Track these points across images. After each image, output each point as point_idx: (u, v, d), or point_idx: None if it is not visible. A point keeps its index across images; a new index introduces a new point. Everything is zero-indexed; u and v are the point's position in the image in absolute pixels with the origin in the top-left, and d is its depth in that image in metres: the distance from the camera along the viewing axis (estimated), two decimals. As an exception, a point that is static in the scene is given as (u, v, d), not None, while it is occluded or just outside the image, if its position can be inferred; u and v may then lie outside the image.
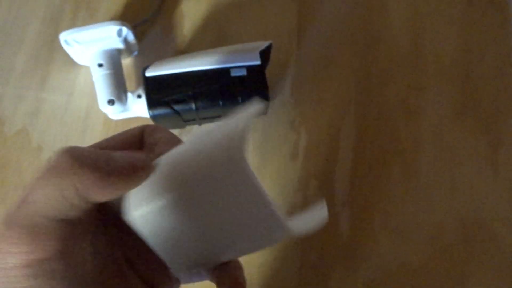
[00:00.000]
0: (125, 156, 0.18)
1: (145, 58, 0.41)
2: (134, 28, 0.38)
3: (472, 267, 0.36)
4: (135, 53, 0.41)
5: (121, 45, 0.37)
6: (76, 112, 0.39)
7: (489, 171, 0.38)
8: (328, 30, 0.42)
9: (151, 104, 0.34)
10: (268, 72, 0.37)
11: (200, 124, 0.38)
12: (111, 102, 0.35)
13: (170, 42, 0.42)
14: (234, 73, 0.34)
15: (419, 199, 0.38)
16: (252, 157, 0.39)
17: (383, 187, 0.38)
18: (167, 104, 0.33)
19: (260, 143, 0.39)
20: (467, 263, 0.36)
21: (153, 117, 0.34)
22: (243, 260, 0.22)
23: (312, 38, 0.42)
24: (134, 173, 0.18)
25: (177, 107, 0.34)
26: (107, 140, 0.21)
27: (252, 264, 0.36)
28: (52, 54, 0.41)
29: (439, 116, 0.40)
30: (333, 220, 0.37)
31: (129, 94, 0.36)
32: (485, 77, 0.41)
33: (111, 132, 0.39)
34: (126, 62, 0.41)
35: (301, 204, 0.38)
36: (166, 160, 0.19)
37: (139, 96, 0.35)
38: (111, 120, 0.38)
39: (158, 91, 0.34)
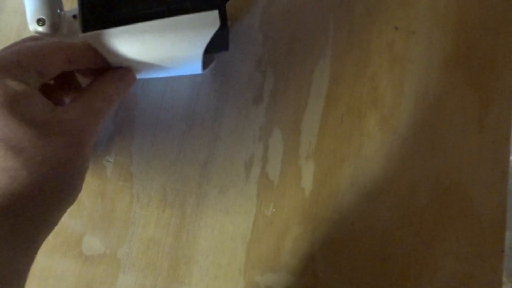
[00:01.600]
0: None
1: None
2: None
3: (443, 233, 0.33)
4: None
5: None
6: (6, 32, 0.34)
7: (473, 131, 0.34)
8: (309, -45, 0.36)
9: (85, 27, 0.28)
10: (234, 2, 0.31)
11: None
12: (41, 21, 0.29)
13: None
14: None
15: (393, 156, 0.34)
16: (207, 101, 0.34)
17: (354, 141, 0.34)
18: (104, 27, 0.28)
19: (219, 84, 0.34)
20: (438, 228, 0.33)
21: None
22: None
23: (290, -36, 0.36)
24: None
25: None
26: None
27: (204, 213, 0.33)
28: (-17, -38, 0.35)
29: (427, 65, 0.35)
30: (295, 173, 0.33)
31: (63, 14, 0.30)
32: (482, 27, 0.36)
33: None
34: (70, -23, 0.35)
35: (262, 155, 0.34)
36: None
37: (74, 17, 0.30)
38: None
39: (95, 11, 0.28)
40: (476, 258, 0.33)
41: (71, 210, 0.29)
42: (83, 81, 0.29)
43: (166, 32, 0.28)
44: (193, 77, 0.34)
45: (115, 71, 0.28)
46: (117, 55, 0.28)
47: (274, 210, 0.33)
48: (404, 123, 0.34)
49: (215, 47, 0.32)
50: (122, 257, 0.32)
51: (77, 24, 0.30)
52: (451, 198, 0.34)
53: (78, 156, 0.24)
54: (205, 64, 0.32)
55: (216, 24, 0.28)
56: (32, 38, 0.28)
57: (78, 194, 0.25)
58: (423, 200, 0.33)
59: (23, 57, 0.24)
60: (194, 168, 0.33)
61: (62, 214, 0.25)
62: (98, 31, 0.27)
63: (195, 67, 0.30)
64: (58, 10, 0.30)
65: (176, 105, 0.34)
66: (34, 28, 0.30)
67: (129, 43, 0.28)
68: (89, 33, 0.28)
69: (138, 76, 0.30)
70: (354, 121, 0.34)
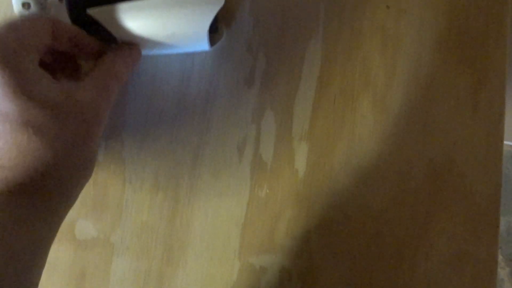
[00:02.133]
0: None
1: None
2: None
3: (438, 212, 0.33)
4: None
5: None
6: (-6, 18, 0.34)
7: (467, 110, 0.34)
8: None
9: (72, 10, 0.28)
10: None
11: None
12: (26, 5, 0.29)
13: None
14: None
15: (386, 136, 0.34)
16: (199, 83, 0.34)
17: (347, 122, 0.34)
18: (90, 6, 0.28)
19: (211, 67, 0.34)
20: (433, 208, 0.33)
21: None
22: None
23: None
24: None
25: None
26: None
27: (198, 197, 0.33)
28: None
29: (419, 46, 0.35)
30: (289, 155, 0.33)
31: (51, -3, 0.30)
32: (474, 6, 0.35)
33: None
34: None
35: (255, 137, 0.33)
36: None
37: (60, 0, 0.29)
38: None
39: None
40: (471, 236, 0.33)
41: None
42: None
43: (171, 8, 0.28)
44: (183, 60, 0.34)
45: (122, 48, 0.29)
46: (123, 30, 0.28)
47: (268, 192, 0.33)
48: (397, 103, 0.34)
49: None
50: (115, 242, 0.32)
51: (63, 6, 0.29)
52: (445, 177, 0.33)
53: (94, 134, 0.25)
54: (213, 41, 0.32)
55: (221, 1, 0.28)
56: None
57: (93, 170, 0.27)
58: (417, 180, 0.33)
59: (22, 35, 0.24)
60: (186, 152, 0.33)
61: (81, 189, 0.27)
62: (105, 6, 0.27)
63: (202, 43, 0.30)
64: (45, -7, 0.30)
65: (167, 89, 0.34)
66: (20, 12, 0.30)
67: (135, 18, 0.28)
68: (96, 9, 0.28)
69: (145, 52, 0.30)
70: (347, 103, 0.34)
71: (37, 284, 0.25)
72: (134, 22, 0.28)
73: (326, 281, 0.32)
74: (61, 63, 0.30)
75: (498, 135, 0.34)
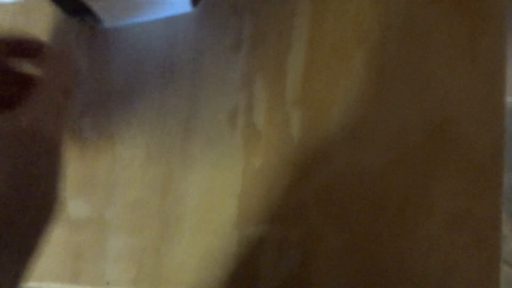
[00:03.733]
0: None
1: None
2: None
3: (437, 171, 0.32)
4: None
5: None
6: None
7: (465, 63, 0.33)
8: None
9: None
10: None
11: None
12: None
13: None
14: None
15: (382, 96, 0.32)
16: (185, 50, 0.32)
17: (341, 83, 0.32)
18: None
19: (195, 33, 0.32)
20: (432, 167, 0.32)
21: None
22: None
23: None
24: None
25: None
26: None
27: (191, 169, 0.32)
28: None
29: (413, -3, 0.33)
30: (282, 121, 0.32)
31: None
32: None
33: (9, 19, 0.32)
34: None
35: (246, 104, 0.32)
36: None
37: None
38: (6, 5, 0.31)
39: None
40: (473, 195, 0.32)
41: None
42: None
43: None
44: (165, 27, 0.32)
45: (61, 56, 0.25)
46: None
47: (262, 160, 0.32)
48: (392, 60, 0.33)
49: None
50: (110, 219, 0.31)
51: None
52: (444, 135, 0.32)
53: (47, 166, 0.22)
54: (194, 1, 0.30)
55: None
56: None
57: (54, 207, 0.24)
58: (415, 139, 0.32)
59: None
60: (176, 123, 0.32)
61: (43, 233, 0.23)
62: None
63: (183, 3, 0.28)
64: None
65: (152, 59, 0.32)
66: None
67: None
68: None
69: (126, 21, 0.28)
70: (340, 62, 0.33)
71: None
72: None
73: (326, 248, 0.31)
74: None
75: (499, 88, 0.33)
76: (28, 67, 0.26)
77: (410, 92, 0.32)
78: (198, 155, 0.32)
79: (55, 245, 0.31)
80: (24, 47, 0.25)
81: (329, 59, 0.33)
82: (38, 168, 0.21)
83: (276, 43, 0.32)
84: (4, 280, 0.21)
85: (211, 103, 0.32)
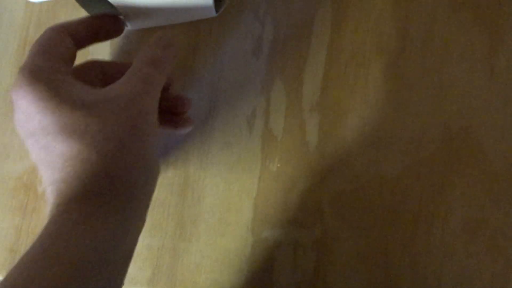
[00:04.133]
0: None
1: None
2: None
3: (453, 179, 0.32)
4: None
5: None
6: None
7: (484, 74, 0.33)
8: None
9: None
10: None
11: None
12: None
13: None
14: None
15: (400, 103, 0.33)
16: (205, 54, 0.33)
17: (359, 90, 0.33)
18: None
19: (217, 37, 0.33)
20: (448, 175, 0.32)
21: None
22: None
23: None
24: None
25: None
26: None
27: (208, 171, 0.32)
28: None
29: (432, 7, 0.33)
30: (300, 127, 0.32)
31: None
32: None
33: (35, 18, 0.32)
34: None
35: (264, 109, 0.32)
36: None
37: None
38: (33, 4, 0.32)
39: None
40: (488, 204, 0.32)
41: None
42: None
43: None
44: (187, 31, 0.32)
45: (157, 38, 0.27)
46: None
47: (279, 165, 0.32)
48: (410, 68, 0.33)
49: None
50: (127, 219, 0.32)
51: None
52: (461, 144, 0.32)
53: (142, 129, 0.23)
54: (219, 7, 0.30)
55: None
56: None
57: (158, 166, 0.26)
58: (432, 147, 0.32)
59: (43, 50, 0.24)
60: (195, 125, 0.32)
61: (152, 186, 0.26)
62: None
63: (208, 8, 0.29)
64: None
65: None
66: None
67: None
68: None
69: (152, 23, 0.29)
70: (358, 70, 0.33)
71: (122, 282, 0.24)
72: None
73: (341, 253, 0.32)
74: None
75: (516, 99, 0.33)
76: None
77: (428, 100, 0.33)
78: (215, 158, 0.32)
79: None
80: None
81: (348, 66, 0.33)
82: (126, 131, 0.23)
83: (295, 49, 0.33)
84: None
85: (229, 106, 0.33)
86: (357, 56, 0.33)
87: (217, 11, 0.30)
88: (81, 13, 0.29)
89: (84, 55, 0.31)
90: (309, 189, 0.32)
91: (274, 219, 0.32)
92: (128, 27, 0.30)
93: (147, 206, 0.26)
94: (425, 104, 0.32)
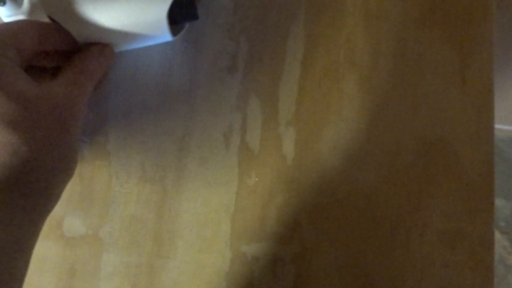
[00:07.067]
0: None
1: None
2: None
3: (430, 190, 0.32)
4: None
5: None
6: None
7: (456, 86, 0.34)
8: None
9: None
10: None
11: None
12: (1, 1, 0.29)
13: None
14: None
15: (374, 116, 0.33)
16: (181, 72, 0.33)
17: (334, 104, 0.33)
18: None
19: (192, 55, 0.33)
20: (425, 186, 0.32)
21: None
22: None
23: None
24: None
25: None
26: None
27: (185, 187, 0.32)
28: None
29: (403, 22, 0.34)
30: (276, 141, 0.33)
31: (24, -9, 0.29)
32: (461, -20, 0.35)
33: None
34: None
35: (240, 124, 0.33)
36: None
37: (35, -7, 0.29)
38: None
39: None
40: (465, 214, 0.32)
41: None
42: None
43: None
44: (164, 50, 0.33)
45: (94, 47, 0.29)
46: (78, 23, 0.27)
47: (256, 179, 0.33)
48: (384, 82, 0.34)
49: (184, 16, 0.31)
50: (104, 237, 0.32)
51: (38, 3, 0.29)
52: (436, 154, 0.33)
53: (70, 129, 0.25)
54: (175, 32, 0.31)
55: None
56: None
57: (75, 167, 0.27)
58: (407, 159, 0.33)
59: (1, 35, 0.25)
60: (172, 142, 0.33)
61: (64, 186, 0.27)
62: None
63: (163, 33, 0.29)
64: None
65: (149, 80, 0.33)
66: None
67: (89, 7, 0.27)
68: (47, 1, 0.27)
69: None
70: (332, 84, 0.34)
71: (21, 283, 0.24)
72: (88, 10, 0.27)
73: (319, 266, 0.32)
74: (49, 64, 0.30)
75: (489, 111, 0.34)
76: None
77: (402, 113, 0.33)
78: (192, 173, 0.33)
79: (50, 262, 0.32)
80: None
81: (322, 81, 0.34)
82: (59, 129, 0.25)
83: (270, 65, 0.33)
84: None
85: (206, 123, 0.33)
86: (331, 71, 0.33)
87: (175, 34, 0.31)
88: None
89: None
90: (287, 203, 0.32)
91: (253, 234, 0.32)
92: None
93: (47, 214, 0.26)
94: (399, 116, 0.33)
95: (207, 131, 0.33)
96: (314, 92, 0.33)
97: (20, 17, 0.30)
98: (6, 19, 0.31)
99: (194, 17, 0.32)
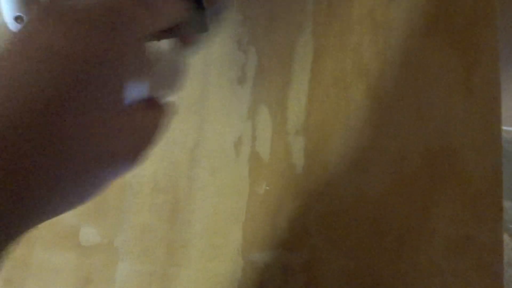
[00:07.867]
0: None
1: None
2: None
3: (436, 197, 0.33)
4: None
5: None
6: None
7: (461, 94, 0.34)
8: None
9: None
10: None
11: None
12: (19, 19, 0.30)
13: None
14: None
15: (381, 124, 0.34)
16: (192, 84, 0.34)
17: (341, 113, 0.34)
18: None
19: (202, 67, 0.34)
20: (431, 194, 0.33)
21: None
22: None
23: None
24: None
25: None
26: None
27: (197, 197, 0.33)
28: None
29: (409, 31, 0.35)
30: (286, 150, 0.33)
31: (40, 8, 0.30)
32: (466, -12, 0.35)
33: None
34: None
35: (251, 134, 0.33)
36: None
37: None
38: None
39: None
40: (473, 220, 0.33)
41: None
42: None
43: None
44: (175, 62, 0.34)
45: None
46: None
47: (267, 188, 0.33)
48: (390, 91, 0.34)
49: (194, 28, 0.32)
50: (119, 246, 0.33)
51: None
52: (443, 162, 0.33)
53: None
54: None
55: None
56: None
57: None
58: (414, 166, 0.33)
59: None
60: (183, 153, 0.33)
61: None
62: None
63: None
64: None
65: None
66: (13, 26, 0.30)
67: None
68: None
69: None
70: (340, 93, 0.34)
71: None
72: None
73: (329, 273, 0.32)
74: None
75: (495, 117, 0.34)
76: None
77: (408, 121, 0.34)
78: (203, 183, 0.33)
79: (66, 271, 0.32)
80: None
81: (330, 90, 0.34)
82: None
83: (279, 75, 0.34)
84: None
85: (216, 133, 0.34)
86: (339, 81, 0.34)
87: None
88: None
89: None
90: (296, 211, 0.33)
91: (263, 242, 0.33)
92: None
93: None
94: (405, 125, 0.33)
95: (217, 141, 0.34)
96: (323, 101, 0.34)
97: None
98: None
99: (205, 29, 0.33)
